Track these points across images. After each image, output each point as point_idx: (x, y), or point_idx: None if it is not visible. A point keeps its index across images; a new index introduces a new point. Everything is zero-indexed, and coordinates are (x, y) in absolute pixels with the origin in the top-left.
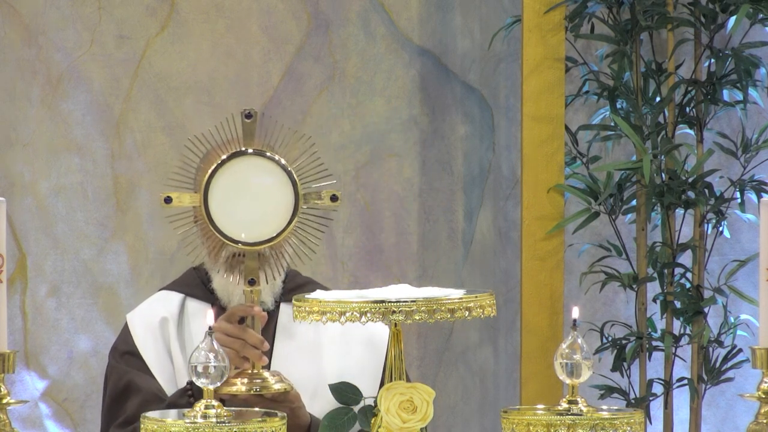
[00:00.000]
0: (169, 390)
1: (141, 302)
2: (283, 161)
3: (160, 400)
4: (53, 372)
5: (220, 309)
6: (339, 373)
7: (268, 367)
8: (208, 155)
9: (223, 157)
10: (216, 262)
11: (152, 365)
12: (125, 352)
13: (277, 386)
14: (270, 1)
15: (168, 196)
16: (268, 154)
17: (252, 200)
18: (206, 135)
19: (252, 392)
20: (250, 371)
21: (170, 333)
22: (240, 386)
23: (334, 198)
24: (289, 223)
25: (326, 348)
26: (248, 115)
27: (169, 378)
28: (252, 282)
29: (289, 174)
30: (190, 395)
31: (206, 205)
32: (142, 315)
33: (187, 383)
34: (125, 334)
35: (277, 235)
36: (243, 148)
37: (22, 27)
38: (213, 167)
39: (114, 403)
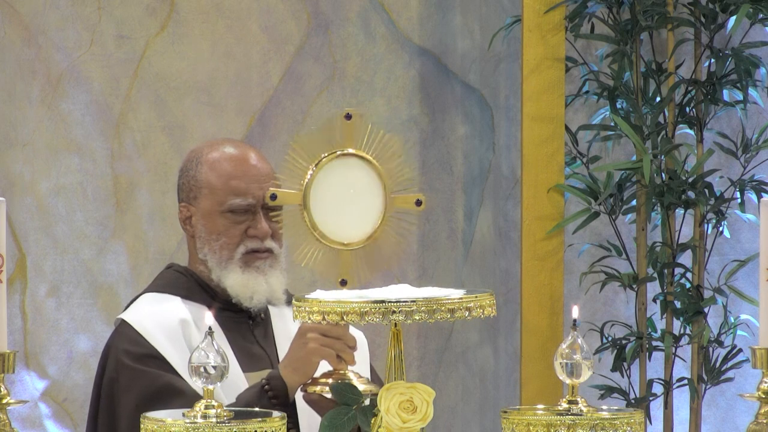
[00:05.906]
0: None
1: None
2: (377, 164)
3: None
4: (53, 372)
5: (225, 309)
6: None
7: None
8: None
9: (323, 156)
10: (230, 259)
11: (179, 368)
12: (143, 355)
13: (362, 387)
14: (270, 1)
15: (273, 193)
16: (364, 156)
17: (347, 201)
18: (309, 135)
19: None
20: (336, 371)
21: (192, 335)
22: (324, 387)
23: (418, 203)
24: (379, 225)
25: None
26: (348, 116)
27: None
28: (344, 282)
29: (381, 177)
30: (271, 396)
31: (304, 203)
32: (152, 317)
33: (263, 381)
34: (133, 337)
35: (369, 237)
36: (343, 150)
37: (22, 27)
38: (313, 166)
39: (148, 405)
